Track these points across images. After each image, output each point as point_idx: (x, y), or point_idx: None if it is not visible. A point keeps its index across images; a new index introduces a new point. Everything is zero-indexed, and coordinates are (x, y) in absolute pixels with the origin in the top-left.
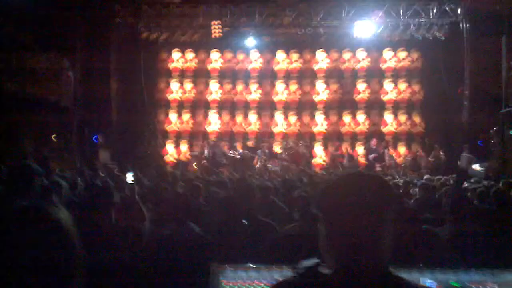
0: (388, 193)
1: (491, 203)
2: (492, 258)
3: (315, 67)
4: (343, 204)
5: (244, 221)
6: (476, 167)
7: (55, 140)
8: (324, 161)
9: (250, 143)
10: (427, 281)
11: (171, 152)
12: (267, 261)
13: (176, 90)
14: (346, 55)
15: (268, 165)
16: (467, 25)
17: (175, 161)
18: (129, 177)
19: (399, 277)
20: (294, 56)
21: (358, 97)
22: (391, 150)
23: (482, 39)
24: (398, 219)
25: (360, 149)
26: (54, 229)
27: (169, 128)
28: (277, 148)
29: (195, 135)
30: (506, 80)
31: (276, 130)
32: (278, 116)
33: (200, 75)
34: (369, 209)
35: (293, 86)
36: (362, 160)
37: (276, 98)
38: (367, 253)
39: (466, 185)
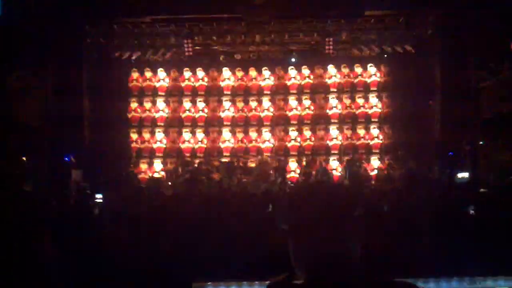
0: (351, 202)
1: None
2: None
3: (288, 83)
4: (307, 215)
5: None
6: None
7: (25, 160)
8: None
9: (225, 159)
10: None
11: (144, 170)
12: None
13: (148, 109)
14: (318, 71)
15: (243, 179)
16: (437, 39)
17: (148, 178)
18: (99, 197)
19: (373, 282)
20: (266, 73)
21: (330, 112)
22: (365, 163)
23: (452, 52)
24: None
25: (333, 163)
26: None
27: (142, 146)
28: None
29: (169, 153)
30: (475, 92)
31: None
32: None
33: (172, 94)
34: (333, 219)
35: (266, 103)
36: (335, 173)
37: (240, 114)
38: (334, 262)
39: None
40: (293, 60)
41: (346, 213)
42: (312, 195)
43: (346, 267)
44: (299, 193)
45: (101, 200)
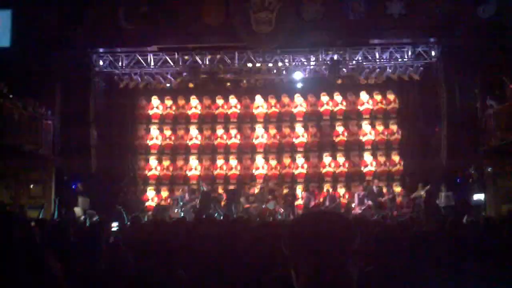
0: (349, 230)
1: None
2: None
3: (294, 111)
4: (307, 242)
5: None
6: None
7: (33, 189)
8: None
9: (231, 186)
10: None
11: (151, 198)
12: None
13: (155, 137)
14: (324, 99)
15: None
16: (442, 66)
17: (155, 206)
18: (114, 225)
19: None
20: (272, 101)
21: (337, 139)
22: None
23: (457, 79)
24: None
25: (341, 190)
26: (43, 272)
27: (149, 174)
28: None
29: (176, 181)
30: (481, 119)
31: (256, 172)
32: (259, 159)
33: (179, 122)
34: (332, 247)
35: (273, 130)
36: (343, 200)
37: (256, 142)
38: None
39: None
40: None
41: (346, 242)
42: (313, 224)
43: None
44: (301, 222)
45: (116, 228)
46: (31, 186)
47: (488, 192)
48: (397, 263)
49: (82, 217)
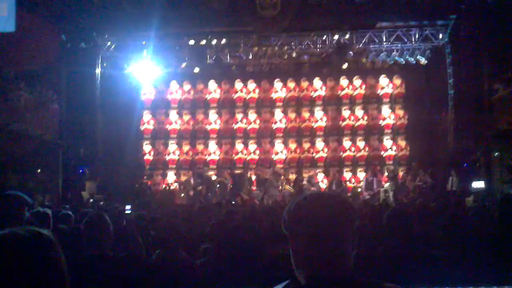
0: (348, 212)
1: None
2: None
3: (300, 95)
4: (306, 223)
5: None
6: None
7: (40, 173)
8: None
9: (238, 171)
10: None
11: (158, 182)
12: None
13: (161, 121)
14: (330, 83)
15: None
16: (449, 50)
17: (161, 190)
18: (127, 208)
19: (363, 281)
20: (278, 85)
21: (343, 124)
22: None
23: (464, 62)
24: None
25: (347, 175)
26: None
27: (155, 158)
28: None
29: (183, 164)
30: (489, 102)
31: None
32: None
33: (184, 107)
34: (331, 227)
35: (278, 115)
36: (349, 184)
37: (255, 126)
38: (331, 266)
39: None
40: None
41: (343, 222)
42: (314, 205)
43: (340, 269)
44: (302, 202)
45: (129, 211)
46: (38, 170)
47: (494, 176)
48: (403, 245)
49: (90, 201)
